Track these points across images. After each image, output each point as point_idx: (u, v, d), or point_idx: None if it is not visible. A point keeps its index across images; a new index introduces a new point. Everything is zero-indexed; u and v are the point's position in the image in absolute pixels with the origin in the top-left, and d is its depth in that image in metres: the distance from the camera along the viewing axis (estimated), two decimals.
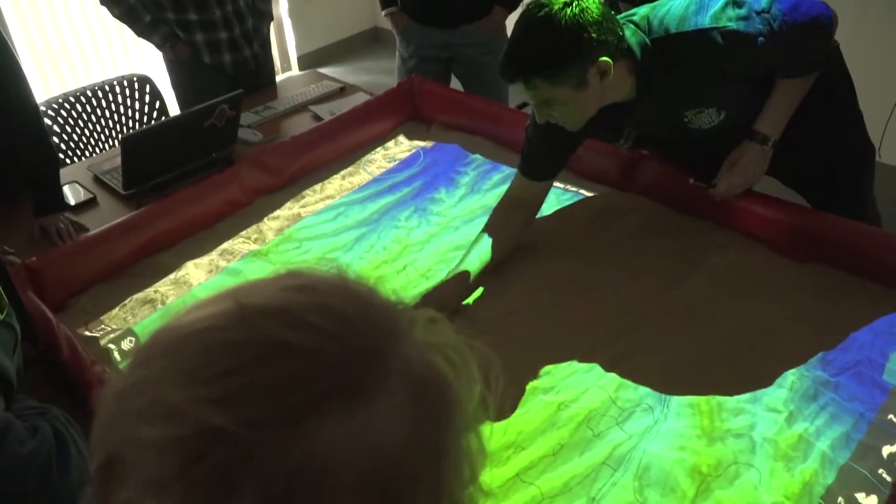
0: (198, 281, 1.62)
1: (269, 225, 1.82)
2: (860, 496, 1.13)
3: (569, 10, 1.32)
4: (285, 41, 4.51)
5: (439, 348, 0.41)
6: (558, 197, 1.87)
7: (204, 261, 1.69)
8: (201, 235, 1.77)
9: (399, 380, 0.38)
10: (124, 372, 0.41)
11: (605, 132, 1.64)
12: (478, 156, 2.07)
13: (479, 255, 1.57)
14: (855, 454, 1.19)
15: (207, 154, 2.01)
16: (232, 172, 1.86)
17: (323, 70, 4.69)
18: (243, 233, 1.78)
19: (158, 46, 2.39)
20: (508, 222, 1.65)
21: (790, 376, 1.33)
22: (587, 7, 1.33)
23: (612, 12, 1.39)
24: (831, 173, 1.69)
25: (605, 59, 1.35)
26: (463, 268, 1.54)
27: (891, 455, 1.19)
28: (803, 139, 1.62)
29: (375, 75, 4.50)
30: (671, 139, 1.70)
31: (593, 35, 1.32)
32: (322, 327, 0.39)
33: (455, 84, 2.65)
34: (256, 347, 0.38)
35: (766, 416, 1.26)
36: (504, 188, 1.91)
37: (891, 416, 1.26)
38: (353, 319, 0.40)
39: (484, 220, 1.79)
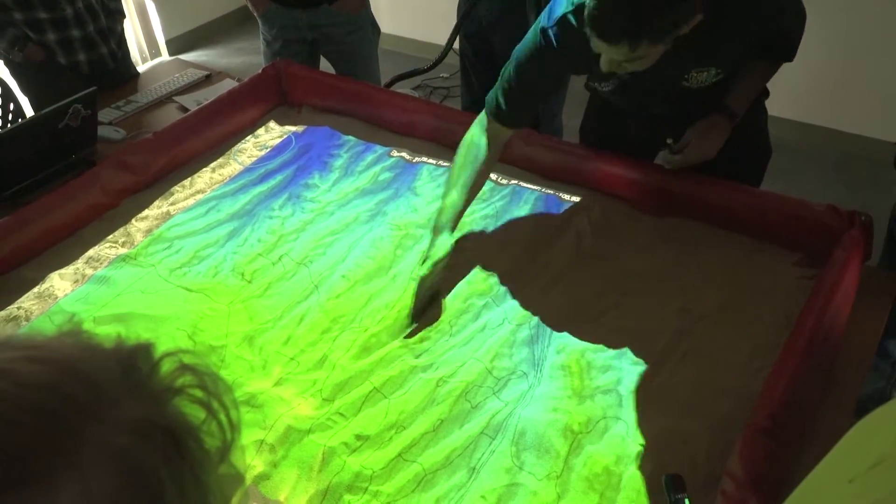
0: (63, 293, 1.56)
1: (137, 226, 1.76)
2: None
3: None
4: (151, 26, 4.32)
5: (167, 399, 0.41)
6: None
7: (69, 270, 1.62)
8: (65, 244, 1.70)
9: (94, 456, 0.37)
10: None
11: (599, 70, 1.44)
12: (350, 137, 2.06)
13: (454, 213, 1.56)
14: None
15: (67, 157, 1.93)
16: (92, 175, 1.78)
17: (194, 54, 4.55)
18: (110, 237, 1.72)
19: (7, 51, 2.25)
20: (479, 176, 1.59)
21: (652, 329, 1.41)
22: None
23: None
24: (735, 171, 1.68)
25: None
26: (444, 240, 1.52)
27: None
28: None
29: (250, 56, 4.37)
30: (658, 96, 1.61)
31: None
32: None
33: (326, 65, 2.61)
34: None
35: (632, 369, 1.34)
36: (378, 168, 1.93)
37: None
38: (40, 404, 0.38)
39: (359, 202, 1.81)
